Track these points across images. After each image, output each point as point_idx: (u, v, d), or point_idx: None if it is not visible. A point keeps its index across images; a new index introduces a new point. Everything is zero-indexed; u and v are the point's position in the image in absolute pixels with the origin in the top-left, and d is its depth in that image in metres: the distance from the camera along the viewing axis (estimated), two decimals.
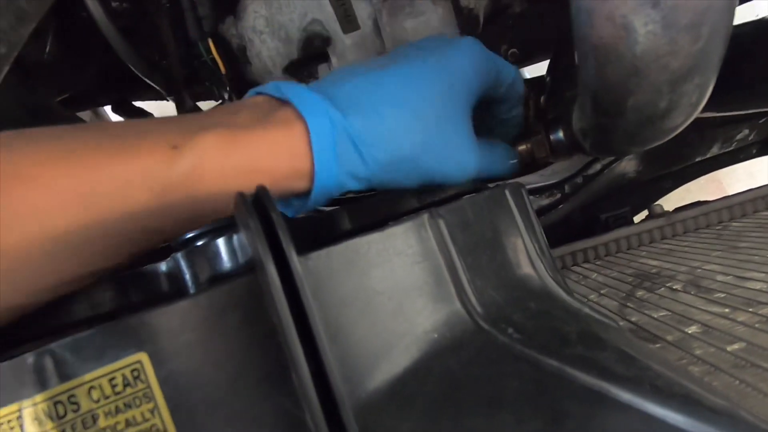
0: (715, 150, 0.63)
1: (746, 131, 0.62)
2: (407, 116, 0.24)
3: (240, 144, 0.21)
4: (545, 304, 0.22)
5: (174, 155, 0.19)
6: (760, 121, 0.60)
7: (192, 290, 0.26)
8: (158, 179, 0.19)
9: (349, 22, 0.37)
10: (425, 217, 0.19)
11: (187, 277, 0.26)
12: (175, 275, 0.26)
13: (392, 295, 0.17)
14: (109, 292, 0.25)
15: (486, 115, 0.33)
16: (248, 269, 0.26)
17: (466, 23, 0.43)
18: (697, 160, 0.63)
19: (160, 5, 0.36)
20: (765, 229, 0.46)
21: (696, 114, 0.22)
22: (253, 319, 0.16)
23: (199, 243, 0.29)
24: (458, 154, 0.26)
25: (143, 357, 0.15)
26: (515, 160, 0.33)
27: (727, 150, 0.63)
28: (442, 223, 0.20)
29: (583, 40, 0.20)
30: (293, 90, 0.24)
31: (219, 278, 0.26)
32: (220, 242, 0.26)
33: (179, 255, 0.25)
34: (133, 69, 0.40)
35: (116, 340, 0.15)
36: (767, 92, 0.26)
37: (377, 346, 0.17)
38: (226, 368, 0.15)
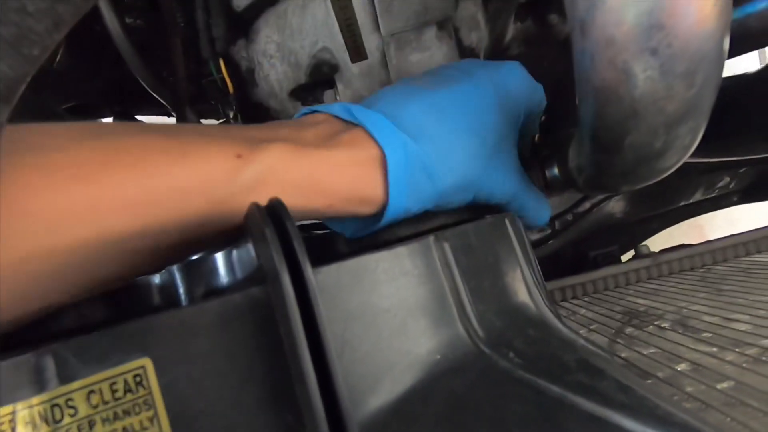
0: (698, 195, 0.65)
1: (727, 179, 0.65)
2: (474, 143, 0.24)
3: (304, 160, 0.21)
4: (543, 332, 0.22)
5: (238, 165, 0.19)
6: (741, 171, 0.63)
7: (185, 304, 0.26)
8: (219, 188, 0.19)
9: (357, 52, 0.39)
10: (431, 239, 0.20)
11: (181, 291, 0.26)
12: (168, 289, 0.26)
13: (397, 313, 0.18)
14: (99, 303, 0.24)
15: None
16: (245, 285, 0.26)
17: None
18: (681, 204, 0.66)
19: (175, 24, 0.38)
20: (747, 274, 0.47)
21: (688, 156, 0.23)
22: (259, 331, 0.16)
23: (196, 256, 0.29)
24: (507, 176, 0.26)
25: (147, 362, 0.14)
26: (548, 212, 0.32)
27: (709, 196, 0.65)
28: (446, 246, 0.20)
29: (585, 81, 0.21)
30: (365, 113, 0.23)
31: (214, 293, 0.26)
32: (219, 257, 0.26)
33: (174, 268, 0.25)
34: (144, 84, 0.40)
35: (121, 343, 0.14)
36: (750, 142, 0.28)
37: (381, 364, 0.17)
38: (229, 379, 0.15)
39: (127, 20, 0.41)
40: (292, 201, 0.20)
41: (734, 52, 0.37)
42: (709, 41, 0.18)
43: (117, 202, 0.17)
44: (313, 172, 0.21)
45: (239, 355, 0.15)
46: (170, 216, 0.18)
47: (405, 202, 0.23)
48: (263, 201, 0.18)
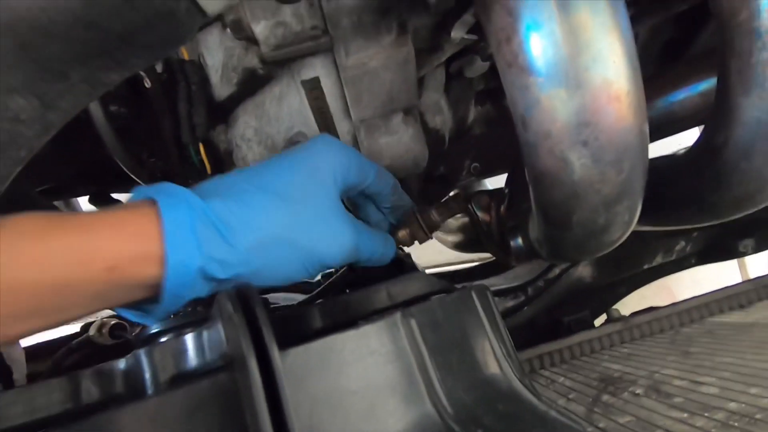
0: (659, 259, 0.69)
1: (683, 243, 0.69)
2: (269, 197, 0.26)
3: (66, 224, 0.21)
4: (513, 406, 0.22)
5: None
6: (694, 234, 0.67)
7: (150, 391, 0.25)
8: None
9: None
10: (398, 316, 0.21)
11: (147, 375, 0.25)
12: (133, 374, 0.25)
13: (365, 395, 0.18)
14: (56, 393, 0.23)
15: (371, 209, 0.37)
16: (214, 368, 0.25)
17: (433, 141, 0.49)
18: (645, 267, 0.69)
19: (164, 113, 0.40)
20: (712, 335, 0.49)
21: (630, 230, 0.25)
22: (226, 418, 0.16)
23: (164, 339, 0.28)
24: (331, 230, 0.27)
25: None
26: (394, 249, 0.34)
27: (669, 259, 0.69)
28: (413, 323, 0.21)
29: (531, 167, 0.23)
30: (159, 185, 0.24)
31: (182, 377, 0.25)
32: (188, 338, 0.25)
33: (141, 352, 0.25)
34: (123, 167, 0.42)
35: None
36: (686, 214, 0.31)
37: None
38: None
39: (112, 108, 0.43)
40: (61, 269, 0.20)
41: (666, 133, 0.41)
42: (630, 134, 0.21)
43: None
44: (79, 235, 0.21)
45: None
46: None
47: (194, 258, 0.22)
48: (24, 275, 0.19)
